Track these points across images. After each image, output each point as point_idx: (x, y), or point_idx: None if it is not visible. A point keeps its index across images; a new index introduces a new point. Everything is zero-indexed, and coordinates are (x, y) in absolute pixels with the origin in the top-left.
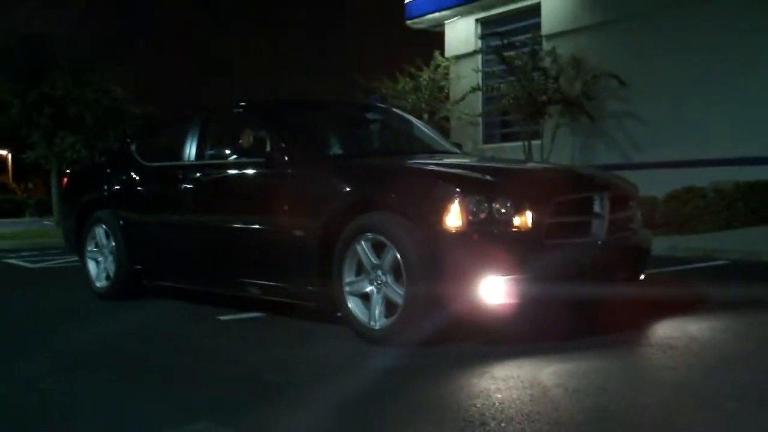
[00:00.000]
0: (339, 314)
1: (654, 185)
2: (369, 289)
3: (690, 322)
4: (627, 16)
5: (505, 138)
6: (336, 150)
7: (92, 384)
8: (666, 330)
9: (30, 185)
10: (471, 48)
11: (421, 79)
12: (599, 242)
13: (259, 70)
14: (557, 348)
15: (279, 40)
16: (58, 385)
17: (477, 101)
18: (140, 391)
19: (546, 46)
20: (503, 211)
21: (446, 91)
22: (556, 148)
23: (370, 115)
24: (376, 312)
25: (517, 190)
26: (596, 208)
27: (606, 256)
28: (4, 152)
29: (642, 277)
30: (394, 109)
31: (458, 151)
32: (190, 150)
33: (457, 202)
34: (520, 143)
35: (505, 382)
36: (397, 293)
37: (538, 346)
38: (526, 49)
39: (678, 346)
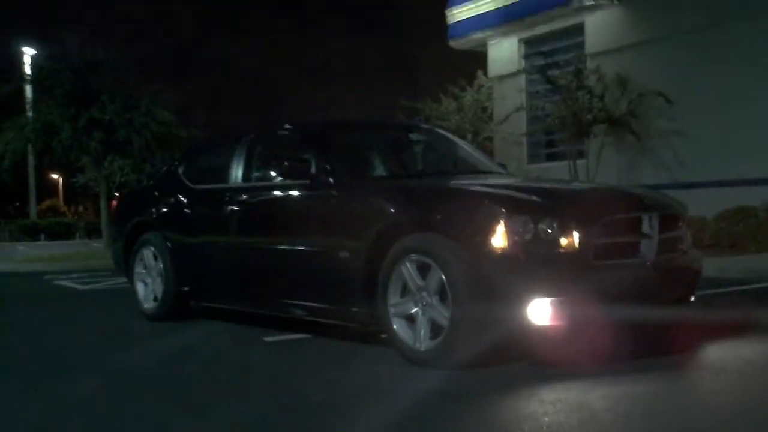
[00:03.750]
0: (384, 336)
1: (703, 205)
2: (414, 310)
3: (742, 345)
4: (673, 34)
5: (550, 158)
6: (380, 171)
7: (139, 404)
8: (718, 353)
9: (80, 208)
10: (514, 68)
11: (465, 99)
12: (648, 263)
13: (303, 92)
14: (606, 371)
15: (323, 61)
16: (106, 405)
17: (521, 121)
18: (186, 411)
19: (590, 64)
20: (550, 231)
21: (490, 111)
22: (602, 167)
23: (414, 136)
24: (421, 333)
25: (564, 211)
26: (645, 228)
27: (655, 277)
28: (55, 176)
29: (692, 298)
30: (438, 130)
31: (503, 171)
32: (237, 172)
33: (502, 222)
34: (565, 163)
35: (552, 406)
36: (443, 315)
37: (586, 369)
38: (571, 69)
39: (730, 369)
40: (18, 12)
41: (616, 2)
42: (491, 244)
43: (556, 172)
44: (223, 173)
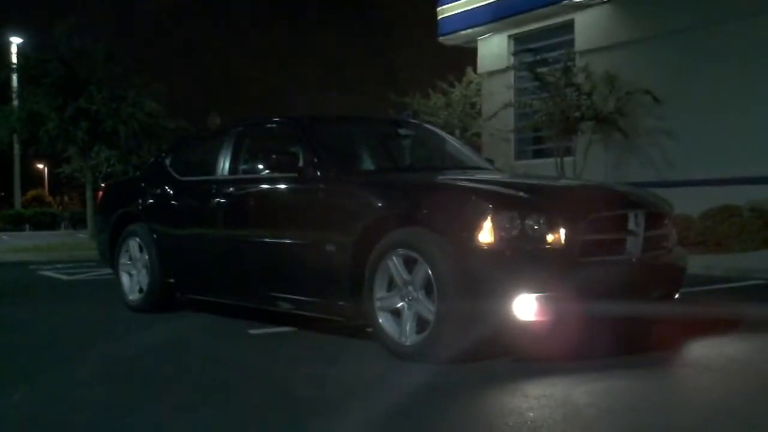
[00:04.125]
0: (370, 330)
1: (689, 203)
2: (400, 304)
3: (726, 343)
4: (662, 32)
5: (538, 154)
6: (368, 165)
7: (124, 397)
8: (702, 350)
9: (65, 198)
10: (504, 64)
11: (453, 95)
12: (634, 260)
13: (293, 86)
14: (590, 367)
15: (312, 56)
16: (89, 397)
17: (509, 117)
18: (170, 405)
19: (579, 62)
20: (536, 227)
21: (478, 107)
22: (589, 164)
23: (402, 131)
24: (407, 328)
25: (551, 207)
26: (631, 225)
27: (640, 274)
28: (40, 166)
29: (677, 295)
30: (427, 125)
31: (490, 167)
32: (224, 164)
33: (489, 218)
34: (552, 159)
35: (537, 401)
36: (429, 309)
37: (570, 365)
38: (559, 66)
39: (714, 367)
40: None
41: (605, 0)
42: (478, 239)
43: (543, 169)
44: (211, 165)
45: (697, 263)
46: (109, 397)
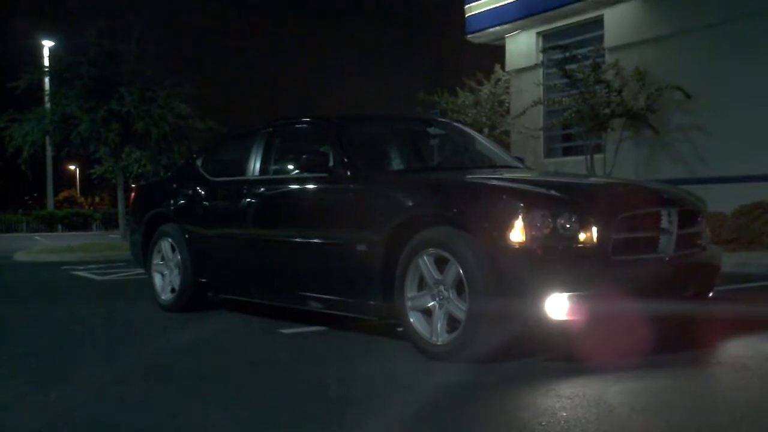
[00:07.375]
0: (400, 329)
1: (721, 200)
2: (431, 304)
3: (763, 341)
4: (691, 28)
5: (567, 152)
6: (398, 165)
7: (155, 396)
8: (737, 349)
9: (96, 199)
10: (532, 61)
11: (482, 93)
12: (667, 258)
13: (320, 85)
14: (624, 366)
15: (339, 55)
16: (122, 397)
17: (538, 115)
18: (202, 404)
19: (609, 58)
20: (568, 226)
21: (507, 105)
22: (619, 161)
23: (431, 130)
24: (438, 327)
25: (583, 205)
26: (664, 223)
27: (674, 272)
28: (72, 167)
29: (711, 294)
30: (456, 123)
31: (520, 165)
32: (255, 165)
33: (521, 217)
34: (582, 157)
35: (570, 400)
36: (460, 309)
37: (604, 364)
38: (589, 62)
39: (750, 365)
40: (38, 3)
41: None
42: (509, 238)
43: (573, 167)
44: (242, 166)
45: (730, 261)
46: (137, 396)
